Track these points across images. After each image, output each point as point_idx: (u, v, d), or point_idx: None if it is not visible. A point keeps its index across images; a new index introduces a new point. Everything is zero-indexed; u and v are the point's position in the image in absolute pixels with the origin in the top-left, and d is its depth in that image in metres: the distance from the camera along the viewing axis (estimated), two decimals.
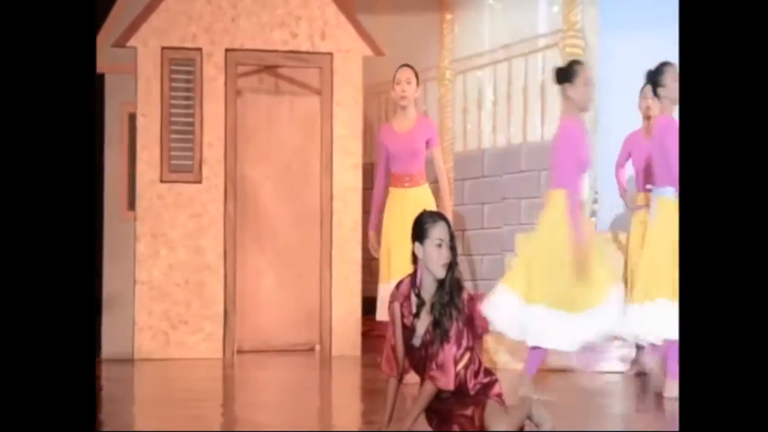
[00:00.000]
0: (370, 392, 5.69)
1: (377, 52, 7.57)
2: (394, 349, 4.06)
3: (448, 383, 3.95)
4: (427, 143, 6.07)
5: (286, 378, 6.54)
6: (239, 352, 7.32)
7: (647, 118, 6.41)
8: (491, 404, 4.00)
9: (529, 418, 4.14)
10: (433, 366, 3.95)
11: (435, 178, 6.21)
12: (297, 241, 7.63)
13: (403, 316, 4.06)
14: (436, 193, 6.29)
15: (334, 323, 7.42)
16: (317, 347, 7.54)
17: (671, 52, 7.76)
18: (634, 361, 6.39)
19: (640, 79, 6.61)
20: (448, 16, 8.53)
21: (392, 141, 6.07)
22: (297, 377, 6.58)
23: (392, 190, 6.09)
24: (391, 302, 4.09)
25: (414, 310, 4.03)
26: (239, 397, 5.84)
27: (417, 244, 3.99)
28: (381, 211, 6.16)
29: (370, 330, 7.62)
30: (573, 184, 5.27)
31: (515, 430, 4.02)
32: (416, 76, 6.09)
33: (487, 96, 8.32)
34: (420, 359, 4.04)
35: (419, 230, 3.99)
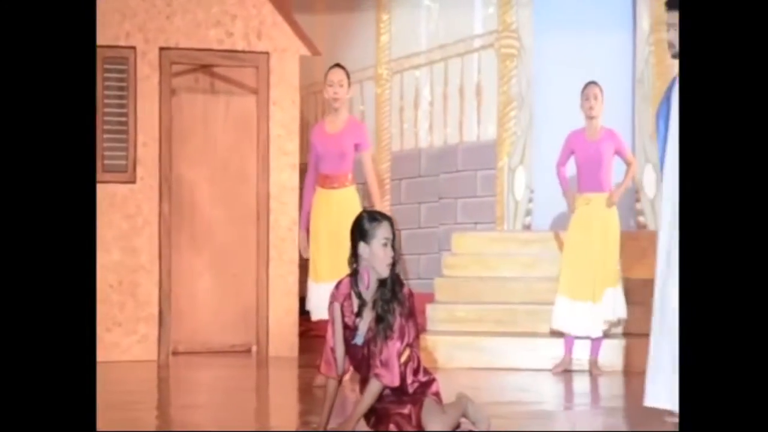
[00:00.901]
0: (308, 392, 5.68)
1: (314, 51, 7.55)
2: (333, 350, 4.09)
3: (393, 380, 3.98)
4: (357, 147, 6.05)
5: (223, 379, 6.50)
6: (175, 353, 7.25)
7: (590, 118, 6.49)
8: (428, 402, 4.04)
9: (465, 416, 4.18)
10: (378, 364, 3.97)
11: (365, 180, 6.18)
12: (233, 241, 7.59)
13: (344, 315, 4.07)
14: (367, 195, 6.28)
15: (271, 324, 7.39)
16: (254, 348, 7.50)
17: (603, 52, 7.94)
18: (563, 360, 6.49)
19: (575, 79, 6.72)
20: (385, 17, 8.56)
21: (322, 141, 6.06)
22: (233, 378, 6.54)
23: (319, 190, 6.08)
24: (331, 303, 4.11)
25: (355, 309, 4.04)
26: (175, 399, 5.79)
27: (362, 244, 4.00)
28: (309, 211, 6.15)
29: (308, 330, 7.61)
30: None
31: (451, 428, 4.06)
32: (348, 77, 6.08)
33: (423, 96, 8.37)
34: (363, 358, 4.06)
35: (364, 230, 4.00)
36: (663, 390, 4.48)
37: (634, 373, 6.37)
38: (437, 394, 4.12)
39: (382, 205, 6.11)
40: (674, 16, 4.47)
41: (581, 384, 6.08)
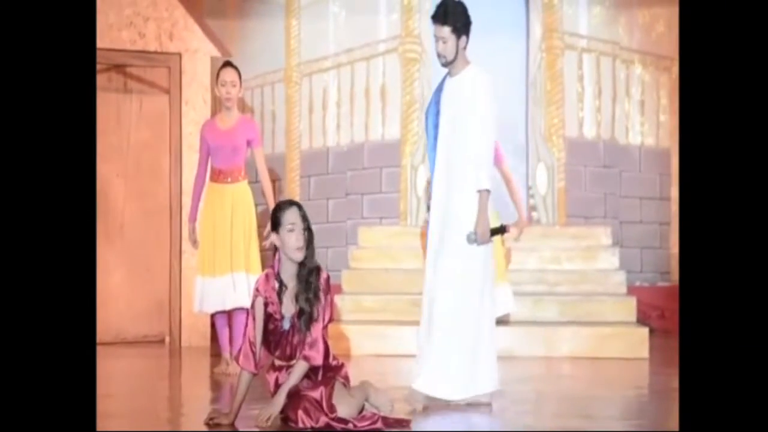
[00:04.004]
0: (219, 381, 5.80)
1: (224, 53, 7.73)
2: (253, 344, 4.18)
3: (319, 359, 4.15)
4: (249, 142, 6.14)
5: (137, 369, 6.55)
6: None
7: None
8: (338, 386, 4.21)
9: (367, 400, 4.36)
10: (306, 347, 4.13)
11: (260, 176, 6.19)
12: (146, 235, 7.67)
13: (268, 306, 4.18)
14: (257, 190, 6.41)
15: (183, 314, 7.51)
16: (167, 338, 7.61)
17: (499, 57, 8.30)
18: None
19: None
20: (294, 22, 8.72)
21: (213, 136, 6.13)
22: (147, 368, 6.60)
23: (212, 185, 6.14)
24: (255, 297, 4.21)
25: (277, 289, 4.18)
26: None
27: (274, 234, 4.16)
28: (198, 203, 6.21)
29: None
30: None
31: (357, 411, 4.23)
32: (239, 76, 6.16)
33: (331, 97, 8.53)
34: (287, 342, 4.19)
35: (274, 220, 4.16)
36: (421, 374, 4.68)
37: (519, 359, 6.70)
38: (346, 378, 4.29)
39: (276, 199, 6.12)
40: (440, 30, 4.80)
41: None
